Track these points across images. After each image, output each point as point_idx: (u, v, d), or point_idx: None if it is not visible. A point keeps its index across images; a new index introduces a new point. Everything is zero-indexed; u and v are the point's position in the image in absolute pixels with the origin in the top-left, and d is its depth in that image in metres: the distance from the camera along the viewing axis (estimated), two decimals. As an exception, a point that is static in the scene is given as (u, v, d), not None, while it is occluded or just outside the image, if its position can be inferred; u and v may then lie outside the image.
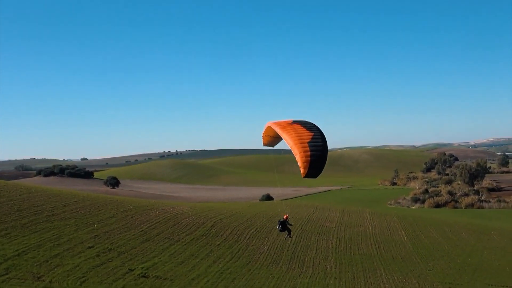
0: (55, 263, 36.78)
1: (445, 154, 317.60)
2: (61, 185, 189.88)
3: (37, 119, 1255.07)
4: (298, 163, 23.92)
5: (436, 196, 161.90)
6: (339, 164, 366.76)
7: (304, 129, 25.34)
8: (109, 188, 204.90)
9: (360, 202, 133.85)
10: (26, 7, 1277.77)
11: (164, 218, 61.11)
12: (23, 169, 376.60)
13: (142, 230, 53.34)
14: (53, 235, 44.18)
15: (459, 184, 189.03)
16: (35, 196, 59.01)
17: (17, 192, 58.35)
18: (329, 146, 28.07)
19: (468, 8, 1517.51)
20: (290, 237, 34.91)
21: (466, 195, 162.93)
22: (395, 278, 48.90)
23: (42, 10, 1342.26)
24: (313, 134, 24.87)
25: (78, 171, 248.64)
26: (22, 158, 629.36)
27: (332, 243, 63.63)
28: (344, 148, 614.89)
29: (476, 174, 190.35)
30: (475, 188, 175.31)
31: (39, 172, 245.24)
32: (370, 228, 76.39)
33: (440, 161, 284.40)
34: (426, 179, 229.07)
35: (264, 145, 30.82)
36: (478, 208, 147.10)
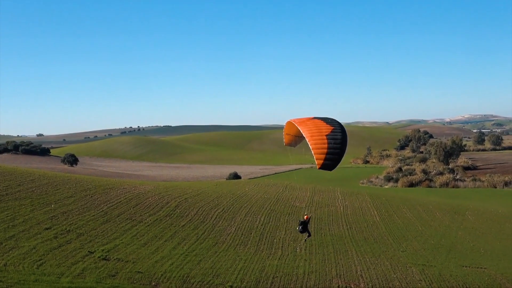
0: (9, 246, 36.39)
1: (419, 131, 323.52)
2: (15, 163, 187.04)
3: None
4: (314, 155, 26.06)
5: (410, 175, 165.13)
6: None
7: (325, 123, 27.38)
8: (67, 166, 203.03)
9: (331, 181, 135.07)
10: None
11: (125, 198, 60.83)
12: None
13: (103, 211, 53.04)
14: (7, 216, 43.60)
15: (433, 162, 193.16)
16: (-14, 174, 58.07)
17: (-34, 170, 57.36)
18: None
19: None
20: (309, 237, 36.87)
21: (441, 173, 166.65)
22: (367, 259, 49.72)
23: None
24: (333, 128, 26.93)
25: (34, 148, 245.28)
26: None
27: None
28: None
29: (451, 152, 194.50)
30: (450, 166, 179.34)
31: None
32: (341, 208, 77.35)
33: (415, 139, 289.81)
34: (400, 157, 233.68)
35: (286, 144, 31.98)
36: (453, 187, 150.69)
